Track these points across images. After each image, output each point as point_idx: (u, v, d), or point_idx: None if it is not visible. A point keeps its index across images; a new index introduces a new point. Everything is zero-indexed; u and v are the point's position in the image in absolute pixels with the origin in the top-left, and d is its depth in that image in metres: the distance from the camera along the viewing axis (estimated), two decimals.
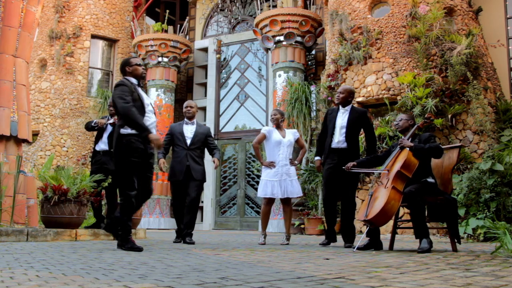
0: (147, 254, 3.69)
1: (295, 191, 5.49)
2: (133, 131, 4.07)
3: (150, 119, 4.25)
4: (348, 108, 5.20)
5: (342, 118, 5.17)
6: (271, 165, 5.48)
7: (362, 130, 5.29)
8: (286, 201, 5.57)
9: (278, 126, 5.67)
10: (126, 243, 4.00)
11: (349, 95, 5.23)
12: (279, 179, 5.46)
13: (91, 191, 5.77)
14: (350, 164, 4.62)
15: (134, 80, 4.34)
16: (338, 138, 5.11)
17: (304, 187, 9.59)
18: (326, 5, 10.85)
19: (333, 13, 9.72)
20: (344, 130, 5.09)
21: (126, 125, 4.09)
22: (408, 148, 4.29)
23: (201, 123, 13.40)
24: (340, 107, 5.24)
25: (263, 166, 5.59)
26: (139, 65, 4.38)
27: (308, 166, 9.78)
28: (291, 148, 5.64)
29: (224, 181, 13.02)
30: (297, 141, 5.74)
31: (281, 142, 5.53)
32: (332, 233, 5.21)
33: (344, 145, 5.08)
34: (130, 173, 4.08)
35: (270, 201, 5.61)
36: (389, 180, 4.19)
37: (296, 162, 5.63)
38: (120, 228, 4.09)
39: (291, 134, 5.70)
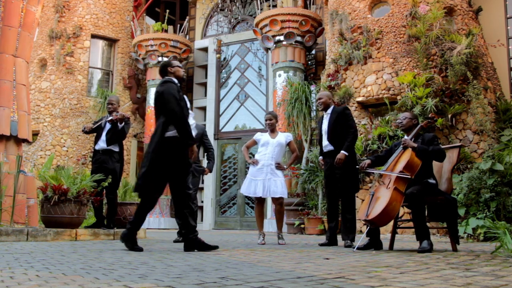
0: (147, 254, 3.69)
1: (278, 191, 5.48)
2: (176, 134, 3.98)
3: (190, 122, 4.15)
4: (330, 110, 5.36)
5: (325, 122, 5.37)
6: (254, 162, 5.57)
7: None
8: (275, 200, 5.57)
9: (272, 130, 5.76)
10: (129, 241, 4.06)
11: (328, 98, 5.42)
12: (263, 178, 5.50)
13: (91, 190, 5.77)
14: (365, 164, 4.59)
15: (176, 82, 4.24)
16: (325, 143, 5.31)
17: (304, 187, 9.59)
18: (326, 5, 10.85)
19: (333, 13, 9.72)
20: (326, 134, 5.28)
21: (170, 127, 3.98)
22: (411, 149, 4.29)
23: (202, 123, 13.48)
24: (323, 112, 5.44)
25: (249, 165, 5.72)
26: (180, 67, 4.33)
27: (308, 166, 9.77)
28: (279, 148, 5.65)
29: (224, 181, 13.02)
30: (289, 144, 5.77)
31: (269, 142, 5.63)
32: (334, 237, 5.23)
33: (331, 147, 5.22)
34: (161, 176, 4.02)
35: (260, 201, 5.67)
36: (391, 180, 4.19)
37: (285, 166, 5.66)
38: (129, 223, 4.17)
39: (283, 136, 5.76)
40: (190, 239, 4.02)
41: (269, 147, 5.60)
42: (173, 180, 4.08)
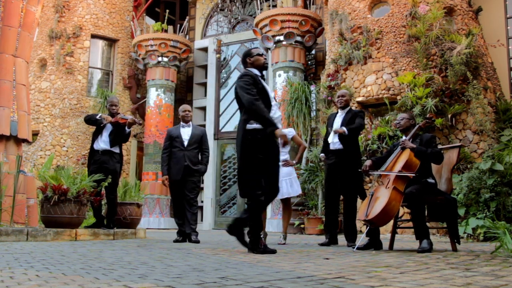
0: (147, 254, 3.69)
1: (294, 190, 5.51)
2: (259, 126, 3.80)
3: (275, 114, 3.96)
4: (346, 110, 5.36)
5: (339, 120, 5.34)
6: None
7: (362, 131, 5.36)
8: (285, 201, 5.58)
9: None
10: (257, 247, 3.77)
11: (349, 97, 5.46)
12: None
13: (91, 190, 5.77)
14: (367, 167, 4.58)
15: (257, 72, 4.02)
16: (334, 139, 5.25)
17: (304, 187, 9.59)
18: (326, 5, 10.85)
19: (333, 13, 9.72)
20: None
21: (251, 119, 3.82)
22: (409, 149, 4.29)
23: (202, 122, 13.48)
24: (339, 110, 5.41)
25: None
26: (261, 54, 4.10)
27: (308, 166, 9.77)
28: (286, 147, 5.65)
29: (224, 181, 13.02)
30: (293, 139, 5.75)
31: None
32: (334, 236, 5.23)
33: (340, 146, 5.18)
34: (256, 172, 3.81)
35: None
36: (390, 180, 4.19)
37: (294, 162, 5.66)
38: (249, 233, 3.84)
39: (286, 133, 5.72)
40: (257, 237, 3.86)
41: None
42: (266, 173, 3.86)
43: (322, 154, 5.49)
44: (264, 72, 4.15)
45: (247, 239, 3.85)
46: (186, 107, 6.05)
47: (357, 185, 5.17)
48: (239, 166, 3.88)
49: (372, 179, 8.17)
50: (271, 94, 4.02)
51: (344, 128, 5.07)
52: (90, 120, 6.21)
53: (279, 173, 4.00)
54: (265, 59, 4.13)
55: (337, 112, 5.47)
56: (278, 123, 3.91)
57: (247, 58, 4.10)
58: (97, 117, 6.15)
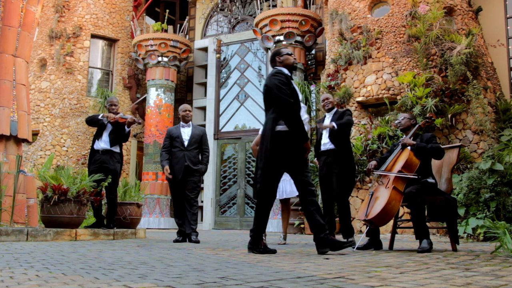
0: (147, 254, 3.69)
1: (294, 190, 5.52)
2: (287, 128, 3.70)
3: (302, 116, 3.87)
4: (333, 111, 5.37)
5: (327, 121, 5.35)
6: None
7: (351, 132, 5.36)
8: (285, 201, 5.59)
9: None
10: (257, 247, 3.73)
11: (334, 100, 5.56)
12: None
13: (91, 190, 5.77)
14: (372, 166, 4.57)
15: (286, 71, 3.92)
16: (325, 140, 5.26)
17: None
18: (326, 4, 10.85)
19: (333, 12, 9.72)
20: (328, 132, 5.23)
21: (280, 119, 3.71)
22: (409, 147, 4.29)
23: (202, 122, 13.48)
24: (326, 113, 5.45)
25: None
26: (290, 54, 4.01)
27: (308, 166, 9.77)
28: None
29: (224, 181, 13.02)
30: None
31: None
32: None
33: (332, 146, 5.18)
34: (276, 173, 3.75)
35: None
36: (390, 180, 4.19)
37: None
38: (252, 231, 3.78)
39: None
40: (321, 239, 3.69)
41: None
42: (294, 177, 3.78)
43: (315, 159, 5.51)
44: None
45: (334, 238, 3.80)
46: (187, 107, 6.04)
47: (350, 186, 5.16)
48: (262, 164, 3.75)
49: (372, 179, 8.17)
50: (300, 96, 3.92)
51: (334, 123, 5.05)
52: (92, 121, 6.21)
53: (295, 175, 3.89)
54: (295, 58, 4.05)
55: (324, 116, 5.51)
56: (306, 125, 3.87)
57: (276, 57, 4.00)
58: (99, 117, 6.15)
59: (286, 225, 5.67)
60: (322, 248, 3.69)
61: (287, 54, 3.98)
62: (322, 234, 3.68)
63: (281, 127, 3.72)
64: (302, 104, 3.91)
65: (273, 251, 3.79)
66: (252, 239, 3.78)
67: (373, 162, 4.57)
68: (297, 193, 5.61)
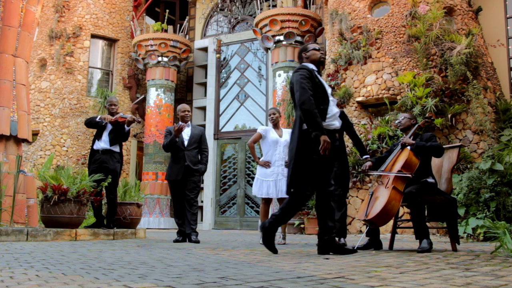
0: (147, 254, 3.69)
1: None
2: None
3: (332, 111, 3.77)
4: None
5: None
6: (266, 164, 5.53)
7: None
8: (282, 201, 5.58)
9: (276, 125, 5.71)
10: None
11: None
12: (275, 179, 5.49)
13: (91, 190, 5.77)
14: (367, 167, 4.57)
15: (313, 66, 3.87)
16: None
17: None
18: (326, 4, 10.85)
19: (333, 12, 9.72)
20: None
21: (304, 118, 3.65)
22: (409, 147, 4.29)
23: (201, 122, 13.47)
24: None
25: (258, 165, 5.64)
26: (317, 49, 3.93)
27: None
28: (287, 148, 5.66)
29: (224, 181, 13.02)
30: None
31: (278, 142, 5.58)
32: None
33: None
34: (308, 171, 3.64)
35: (267, 201, 5.66)
36: (390, 180, 4.19)
37: None
38: (274, 221, 3.66)
39: (287, 134, 5.71)
40: (324, 241, 3.65)
41: (279, 147, 5.58)
42: (317, 175, 3.69)
43: None
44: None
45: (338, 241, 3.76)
46: (185, 107, 6.02)
47: (346, 184, 5.15)
48: (292, 167, 3.68)
49: (372, 179, 8.17)
50: (329, 90, 3.85)
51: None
52: (90, 123, 6.23)
53: (289, 173, 3.81)
54: (322, 53, 3.95)
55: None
56: (336, 120, 3.77)
57: (303, 53, 3.96)
58: (97, 119, 6.16)
59: (285, 224, 5.67)
60: (323, 251, 3.66)
61: (313, 49, 3.92)
62: (326, 236, 3.66)
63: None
64: (331, 98, 3.84)
65: (275, 251, 3.74)
66: (270, 226, 3.67)
67: (368, 163, 4.57)
68: None
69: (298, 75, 3.70)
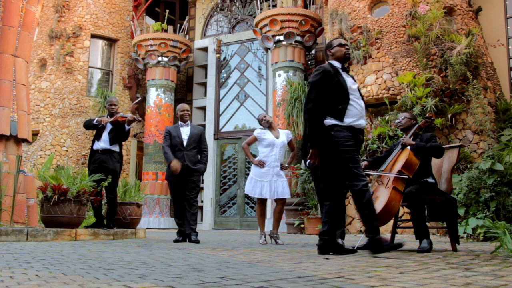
0: (147, 254, 3.69)
1: (285, 192, 5.52)
2: (336, 122, 3.62)
3: (355, 108, 3.68)
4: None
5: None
6: (260, 164, 5.52)
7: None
8: (279, 201, 5.59)
9: (271, 127, 5.71)
10: (380, 244, 3.50)
11: None
12: (269, 180, 5.50)
13: (91, 190, 5.77)
14: (363, 166, 4.56)
15: (337, 64, 3.80)
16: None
17: (304, 187, 9.59)
18: (326, 4, 10.85)
19: (333, 12, 9.72)
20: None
21: (329, 117, 3.62)
22: (409, 147, 4.29)
23: (201, 122, 13.47)
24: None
25: (252, 164, 5.64)
26: (342, 45, 3.84)
27: None
28: (284, 149, 5.68)
29: (224, 181, 13.02)
30: (289, 143, 5.76)
31: (275, 143, 5.59)
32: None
33: None
34: (333, 170, 3.63)
35: (263, 201, 5.67)
36: (390, 180, 4.19)
37: (286, 165, 5.68)
38: (369, 220, 3.56)
39: (284, 135, 5.72)
40: (324, 240, 3.67)
41: (275, 148, 5.58)
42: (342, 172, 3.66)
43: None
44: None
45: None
46: (185, 107, 6.02)
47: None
48: (321, 166, 3.69)
49: (372, 179, 8.17)
50: (353, 86, 3.75)
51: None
52: (89, 125, 6.28)
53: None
54: (347, 49, 3.86)
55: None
56: (361, 118, 3.71)
57: (327, 50, 3.90)
58: (94, 121, 6.20)
59: (277, 224, 5.68)
60: (324, 250, 3.65)
61: (338, 45, 3.84)
62: (326, 236, 3.67)
63: (328, 121, 3.64)
64: (357, 94, 3.75)
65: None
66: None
67: (364, 163, 4.57)
68: (288, 195, 5.61)
69: (313, 77, 3.69)
